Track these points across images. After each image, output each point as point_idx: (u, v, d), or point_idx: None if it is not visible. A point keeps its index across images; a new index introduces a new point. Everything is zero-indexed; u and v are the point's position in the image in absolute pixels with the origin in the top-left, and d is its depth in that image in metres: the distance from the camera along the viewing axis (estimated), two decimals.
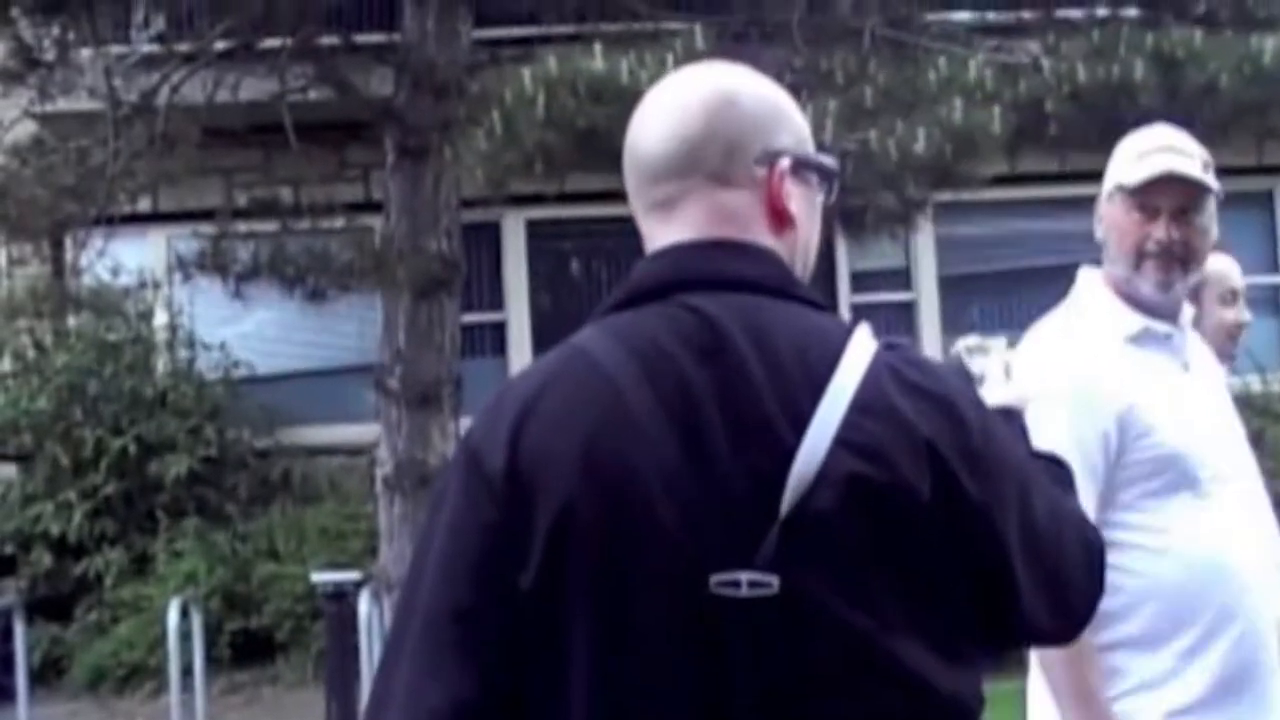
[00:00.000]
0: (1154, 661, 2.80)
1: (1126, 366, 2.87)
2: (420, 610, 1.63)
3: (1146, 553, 2.80)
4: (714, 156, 1.73)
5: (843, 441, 1.58)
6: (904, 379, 1.65)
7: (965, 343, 2.23)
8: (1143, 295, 2.92)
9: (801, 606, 1.56)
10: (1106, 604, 2.75)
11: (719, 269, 1.70)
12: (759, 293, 1.68)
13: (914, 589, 1.61)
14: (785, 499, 1.56)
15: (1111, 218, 2.95)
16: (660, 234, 1.76)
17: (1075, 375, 2.85)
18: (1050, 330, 2.97)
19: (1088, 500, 2.74)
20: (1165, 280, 2.90)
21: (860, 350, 1.65)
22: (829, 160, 1.82)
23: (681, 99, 1.76)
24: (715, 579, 1.55)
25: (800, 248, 1.78)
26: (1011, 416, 1.97)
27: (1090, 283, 3.02)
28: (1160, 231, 2.87)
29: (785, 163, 1.74)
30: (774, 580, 1.55)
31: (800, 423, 1.58)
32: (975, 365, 2.19)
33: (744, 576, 1.55)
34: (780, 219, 1.74)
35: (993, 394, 2.07)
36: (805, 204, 1.77)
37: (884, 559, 1.59)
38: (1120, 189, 2.92)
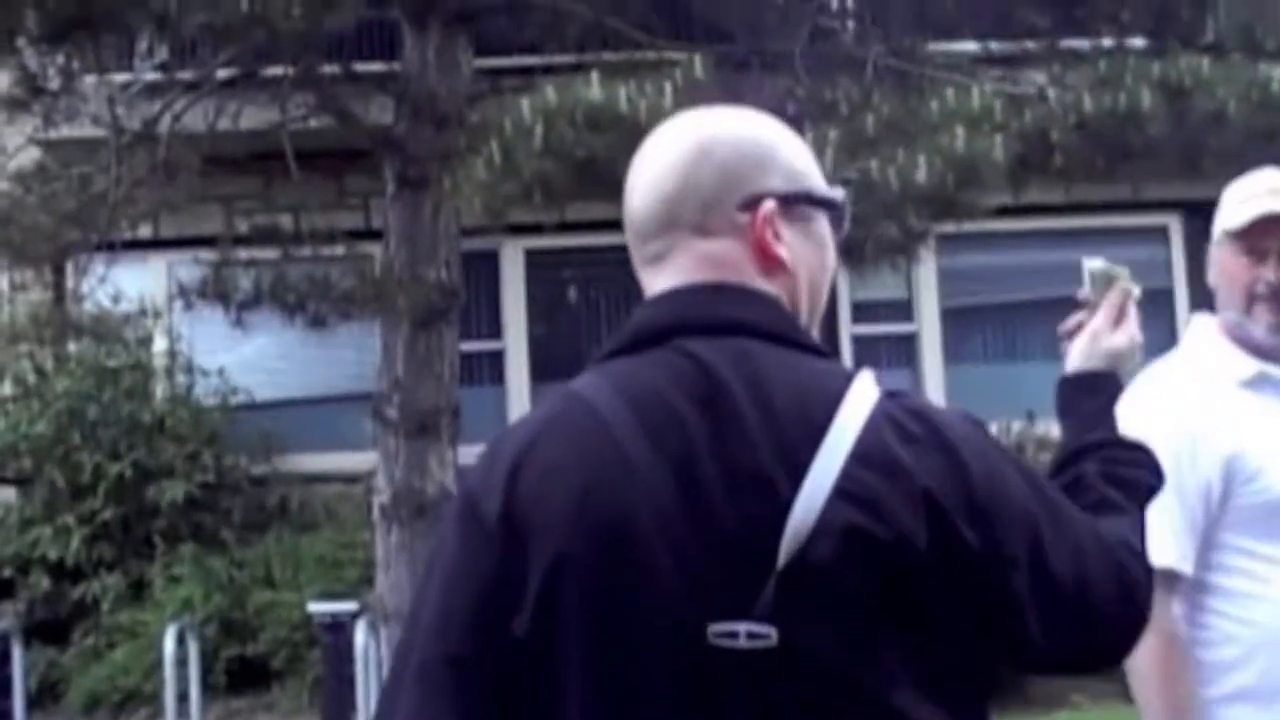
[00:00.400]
0: (1264, 717, 2.71)
1: (1237, 411, 2.83)
2: (416, 653, 1.63)
3: (1257, 601, 2.73)
4: (690, 212, 1.72)
5: (841, 492, 1.56)
6: (904, 429, 1.62)
7: (1092, 264, 2.13)
8: (1256, 339, 2.88)
9: (800, 658, 1.54)
10: (1219, 654, 2.72)
11: (714, 312, 1.68)
12: (755, 337, 1.66)
13: (914, 639, 1.58)
14: (783, 550, 1.54)
15: (1221, 263, 2.93)
16: (655, 284, 1.75)
17: (1180, 421, 2.79)
18: (1159, 374, 2.92)
19: (1185, 548, 2.71)
20: (1278, 322, 2.87)
21: (860, 399, 1.62)
22: (831, 192, 1.78)
23: (660, 155, 1.75)
24: (713, 629, 1.53)
25: (804, 288, 1.75)
26: (1101, 383, 1.98)
27: (1202, 328, 2.99)
28: (1270, 273, 2.85)
29: (769, 205, 1.71)
30: (772, 632, 1.52)
31: (798, 473, 1.56)
32: (1094, 294, 2.09)
33: (742, 627, 1.53)
34: (769, 263, 1.72)
35: (1094, 339, 2.03)
36: (803, 242, 1.74)
37: (883, 609, 1.57)
38: (1226, 234, 2.90)
